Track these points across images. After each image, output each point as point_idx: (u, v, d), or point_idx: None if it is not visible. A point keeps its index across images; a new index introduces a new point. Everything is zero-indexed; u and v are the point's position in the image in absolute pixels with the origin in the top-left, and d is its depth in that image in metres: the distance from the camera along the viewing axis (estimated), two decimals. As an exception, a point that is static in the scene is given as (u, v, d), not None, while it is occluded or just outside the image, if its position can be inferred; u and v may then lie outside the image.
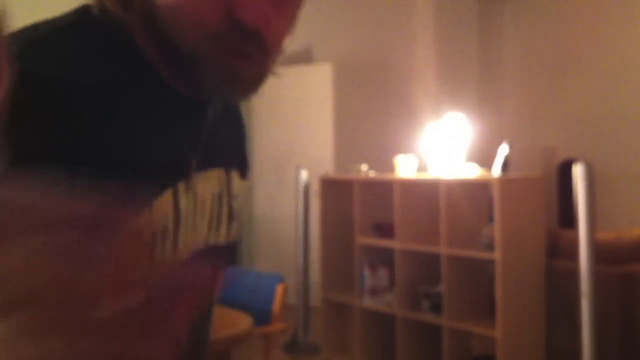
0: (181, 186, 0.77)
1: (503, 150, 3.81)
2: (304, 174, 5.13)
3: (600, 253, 3.44)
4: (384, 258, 4.32)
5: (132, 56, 0.76)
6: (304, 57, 6.21)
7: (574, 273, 3.37)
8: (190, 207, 0.79)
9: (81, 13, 0.76)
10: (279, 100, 6.02)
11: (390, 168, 4.49)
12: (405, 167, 4.35)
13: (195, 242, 0.80)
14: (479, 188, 3.99)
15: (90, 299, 0.39)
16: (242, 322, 2.94)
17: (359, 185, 4.43)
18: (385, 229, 4.30)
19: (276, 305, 3.34)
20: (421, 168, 4.51)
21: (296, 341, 4.86)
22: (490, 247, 3.72)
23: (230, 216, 0.87)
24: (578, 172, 3.25)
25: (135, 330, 0.40)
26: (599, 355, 3.24)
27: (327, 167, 5.84)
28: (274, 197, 6.33)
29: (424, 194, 4.14)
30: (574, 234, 3.37)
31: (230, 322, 2.93)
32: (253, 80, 0.76)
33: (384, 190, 4.34)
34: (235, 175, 0.89)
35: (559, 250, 3.92)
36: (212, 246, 0.83)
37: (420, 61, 6.90)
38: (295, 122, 6.20)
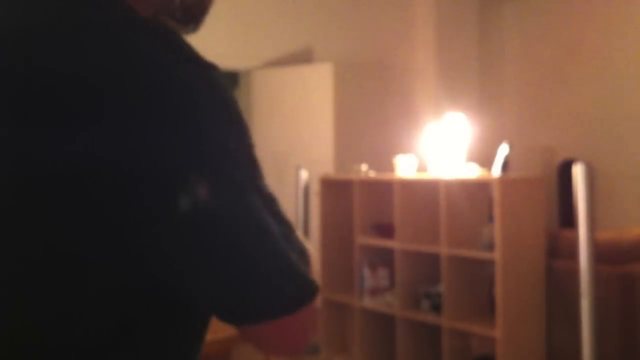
0: None
1: (503, 150, 3.81)
2: (304, 174, 5.13)
3: (600, 253, 3.44)
4: (384, 258, 4.32)
5: None
6: (304, 57, 6.20)
7: (574, 273, 3.36)
8: None
9: None
10: (279, 100, 6.02)
11: (390, 168, 4.48)
12: (405, 167, 4.35)
13: None
14: (479, 188, 3.99)
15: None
16: (242, 322, 2.93)
17: (359, 185, 4.43)
18: (385, 229, 4.30)
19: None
20: (421, 168, 4.50)
21: (296, 341, 4.85)
22: (490, 247, 3.72)
23: None
24: (578, 172, 3.25)
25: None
26: (599, 355, 3.24)
27: (327, 167, 5.84)
28: (274, 197, 6.31)
29: (424, 194, 4.14)
30: (574, 234, 3.37)
31: (230, 322, 2.92)
32: None
33: (384, 190, 4.34)
34: None
35: (559, 250, 3.92)
36: None
37: (420, 61, 6.90)
38: (295, 122, 6.19)
